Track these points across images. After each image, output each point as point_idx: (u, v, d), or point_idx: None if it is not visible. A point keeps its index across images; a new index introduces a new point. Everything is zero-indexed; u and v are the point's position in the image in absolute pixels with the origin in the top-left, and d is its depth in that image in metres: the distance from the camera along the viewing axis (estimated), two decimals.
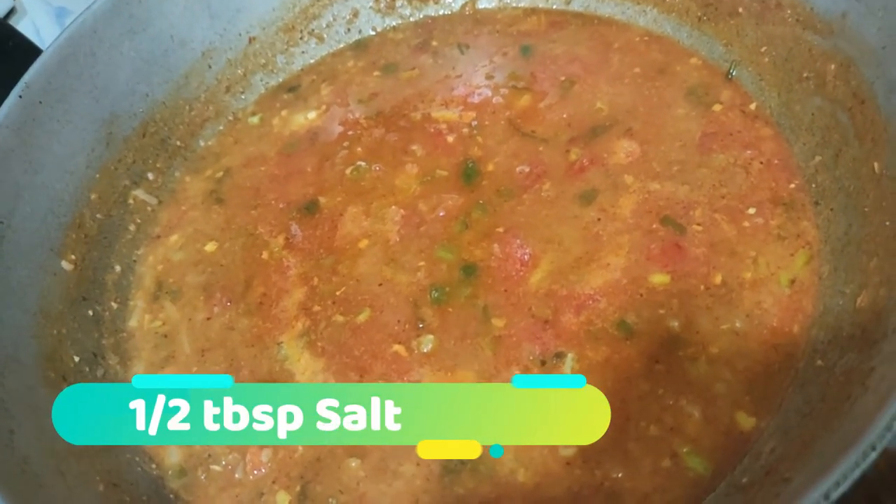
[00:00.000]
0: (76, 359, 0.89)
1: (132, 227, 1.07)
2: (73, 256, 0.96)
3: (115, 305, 0.99)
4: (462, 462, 0.79)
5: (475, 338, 0.87)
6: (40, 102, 0.96)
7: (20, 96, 0.94)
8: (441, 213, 1.00)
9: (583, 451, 0.77)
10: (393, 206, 1.02)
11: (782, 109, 1.00)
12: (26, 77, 0.96)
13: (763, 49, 1.03)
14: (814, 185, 0.92)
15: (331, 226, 1.03)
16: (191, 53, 1.16)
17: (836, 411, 0.66)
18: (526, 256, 0.93)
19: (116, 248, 1.03)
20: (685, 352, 0.82)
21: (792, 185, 0.94)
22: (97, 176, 1.03)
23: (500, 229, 0.97)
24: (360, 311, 0.92)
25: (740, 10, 1.06)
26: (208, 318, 0.97)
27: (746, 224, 0.91)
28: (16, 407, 0.76)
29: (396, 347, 0.89)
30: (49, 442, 0.76)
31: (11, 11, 1.52)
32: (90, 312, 0.95)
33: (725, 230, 0.91)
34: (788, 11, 0.99)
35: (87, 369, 0.90)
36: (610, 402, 0.78)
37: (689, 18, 1.14)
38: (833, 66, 0.92)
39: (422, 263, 0.96)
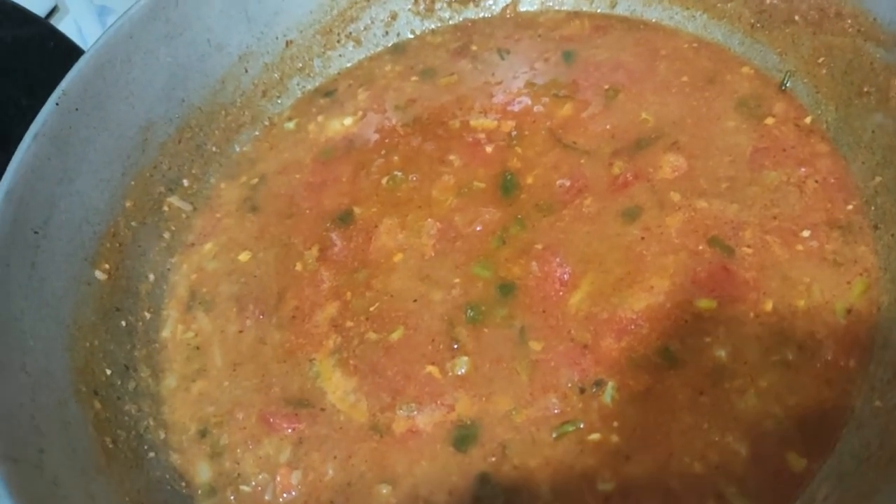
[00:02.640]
0: (108, 371, 0.88)
1: (166, 235, 1.06)
2: (106, 266, 0.95)
3: (147, 315, 0.98)
4: (495, 494, 0.76)
5: (511, 361, 0.85)
6: (77, 110, 0.95)
7: (57, 104, 0.93)
8: (478, 228, 0.97)
9: (622, 486, 0.74)
10: (429, 219, 1.00)
11: (840, 125, 0.94)
12: (63, 84, 0.95)
13: (820, 60, 0.98)
14: (873, 208, 0.87)
15: (365, 238, 1.01)
16: (227, 58, 1.15)
17: None
18: (565, 276, 0.90)
19: (150, 257, 1.03)
20: (732, 384, 0.78)
21: (849, 207, 0.89)
22: (132, 183, 1.02)
23: (539, 246, 0.94)
24: (394, 329, 0.90)
25: (796, 17, 1.01)
26: (240, 331, 0.95)
27: (800, 247, 0.86)
28: (46, 424, 0.75)
29: (430, 369, 0.86)
30: (79, 460, 0.76)
31: (54, 10, 1.53)
32: (123, 323, 0.95)
33: (777, 253, 0.86)
34: (849, 21, 0.93)
35: (119, 382, 0.89)
36: (651, 435, 0.76)
37: (741, 25, 1.09)
38: None
39: (457, 280, 0.93)
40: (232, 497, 0.82)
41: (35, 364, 0.79)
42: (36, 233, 0.87)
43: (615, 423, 0.78)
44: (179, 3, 1.07)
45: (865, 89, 0.92)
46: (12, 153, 0.90)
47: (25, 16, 1.34)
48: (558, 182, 0.99)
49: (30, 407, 0.75)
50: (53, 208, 0.90)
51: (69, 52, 1.37)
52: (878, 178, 0.88)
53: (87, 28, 1.61)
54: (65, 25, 1.53)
